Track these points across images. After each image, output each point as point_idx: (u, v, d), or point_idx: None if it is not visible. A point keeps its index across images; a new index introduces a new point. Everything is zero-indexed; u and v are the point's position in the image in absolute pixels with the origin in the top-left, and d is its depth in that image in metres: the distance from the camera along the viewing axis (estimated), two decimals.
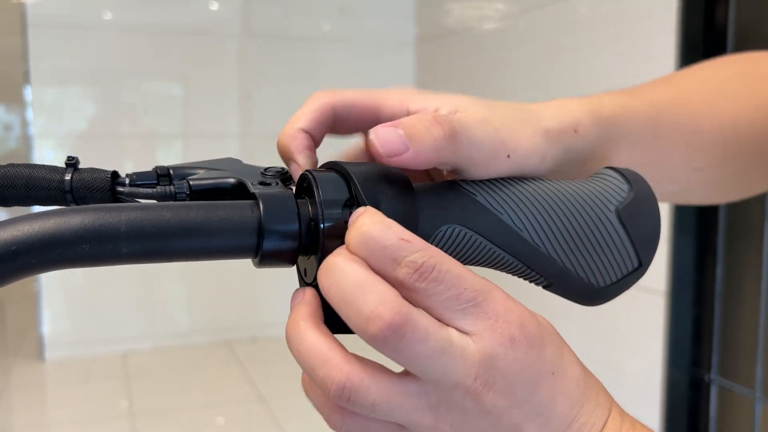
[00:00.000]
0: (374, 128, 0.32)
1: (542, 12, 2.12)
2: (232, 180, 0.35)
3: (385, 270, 0.28)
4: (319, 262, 0.31)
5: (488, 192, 0.34)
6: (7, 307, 3.42)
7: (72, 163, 0.35)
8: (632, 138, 0.41)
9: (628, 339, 1.77)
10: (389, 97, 0.36)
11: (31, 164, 0.35)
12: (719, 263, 1.61)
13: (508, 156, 0.34)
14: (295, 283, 0.35)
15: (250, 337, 2.95)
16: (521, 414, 0.29)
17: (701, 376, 1.66)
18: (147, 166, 0.36)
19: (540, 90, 2.13)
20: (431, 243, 0.33)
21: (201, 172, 0.35)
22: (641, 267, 0.36)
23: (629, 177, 0.36)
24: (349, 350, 0.29)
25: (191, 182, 0.34)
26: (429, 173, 0.40)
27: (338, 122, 0.36)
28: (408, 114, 0.36)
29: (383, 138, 0.31)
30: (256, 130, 2.91)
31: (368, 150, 0.32)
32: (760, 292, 1.52)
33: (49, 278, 2.65)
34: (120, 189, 0.35)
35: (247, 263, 0.33)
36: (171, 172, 0.35)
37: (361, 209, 0.30)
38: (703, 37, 1.59)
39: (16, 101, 3.36)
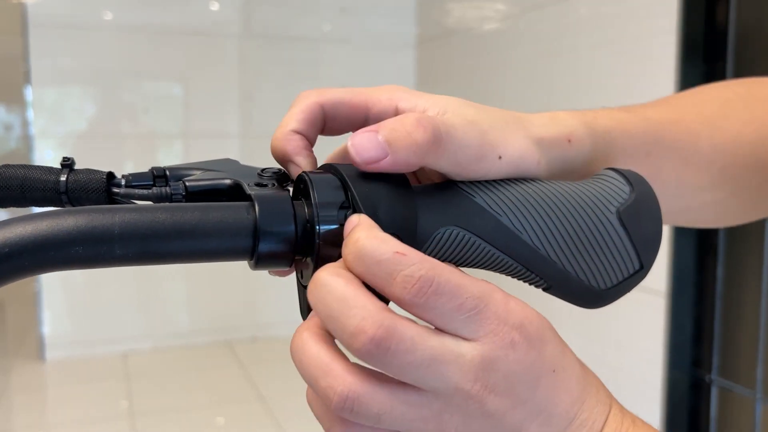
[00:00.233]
0: (352, 135, 0.31)
1: (543, 12, 2.12)
2: (228, 181, 0.35)
3: (383, 285, 0.28)
4: (315, 264, 0.31)
5: (487, 193, 0.34)
6: (8, 308, 3.42)
7: (68, 164, 0.35)
8: (626, 152, 0.41)
9: (628, 340, 1.77)
10: (379, 96, 0.36)
11: (26, 165, 0.35)
12: (720, 264, 1.61)
13: (500, 157, 0.34)
14: (296, 284, 0.35)
15: (251, 337, 2.95)
16: (523, 413, 0.29)
17: (702, 376, 1.66)
18: (147, 167, 0.36)
19: (541, 90, 2.13)
20: (429, 245, 0.33)
21: (197, 173, 0.35)
22: (642, 269, 0.35)
23: (630, 178, 0.36)
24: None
25: (187, 183, 0.34)
26: (415, 175, 0.39)
27: (327, 121, 0.36)
28: (397, 112, 0.35)
29: (360, 146, 0.31)
30: (256, 131, 2.91)
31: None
32: (760, 292, 1.52)
33: (49, 278, 2.65)
34: (115, 190, 0.34)
35: (246, 264, 0.33)
36: (167, 173, 0.35)
37: (354, 219, 0.30)
38: (703, 37, 1.59)
39: (17, 101, 3.37)
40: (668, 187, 0.39)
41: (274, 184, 0.34)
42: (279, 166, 0.36)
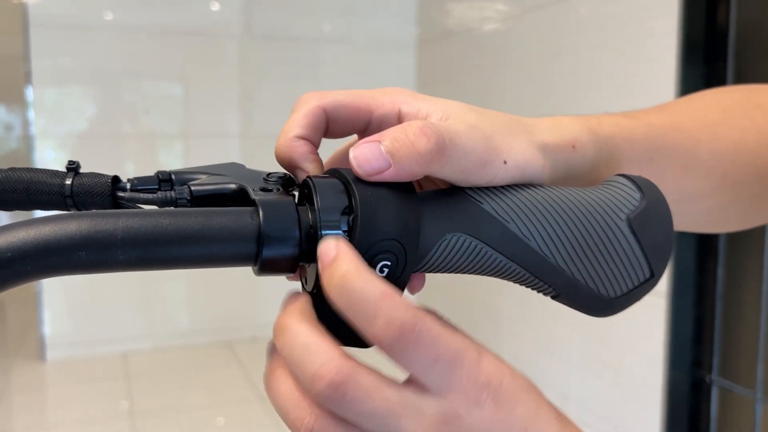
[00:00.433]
0: (354, 145, 0.31)
1: (543, 13, 2.12)
2: (233, 186, 0.34)
3: (363, 325, 0.28)
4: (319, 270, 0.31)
5: (494, 200, 0.33)
6: (8, 308, 3.42)
7: (73, 167, 0.35)
8: (629, 159, 0.40)
9: (629, 340, 1.77)
10: (382, 99, 0.35)
11: (32, 168, 0.35)
12: (720, 264, 1.61)
13: (505, 162, 0.33)
14: (296, 283, 0.35)
15: (251, 337, 2.95)
16: None
17: (702, 377, 1.66)
18: (147, 167, 0.36)
19: (541, 90, 2.13)
20: (436, 252, 0.32)
21: (202, 178, 0.35)
22: (653, 277, 0.35)
23: (641, 185, 0.35)
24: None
25: (192, 188, 0.34)
26: (419, 181, 0.39)
27: (330, 124, 0.36)
28: (399, 116, 0.35)
29: (362, 157, 0.31)
30: (256, 131, 2.91)
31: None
32: (760, 293, 1.52)
33: (49, 279, 2.64)
34: (120, 194, 0.34)
35: None
36: (173, 177, 0.35)
37: (332, 245, 0.29)
38: (704, 38, 1.59)
39: (18, 101, 3.37)
40: (669, 193, 0.39)
41: (279, 189, 0.33)
42: (284, 171, 0.36)
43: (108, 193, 0.34)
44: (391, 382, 0.28)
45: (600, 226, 0.34)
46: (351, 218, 0.31)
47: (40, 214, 0.31)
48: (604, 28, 1.85)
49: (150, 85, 2.82)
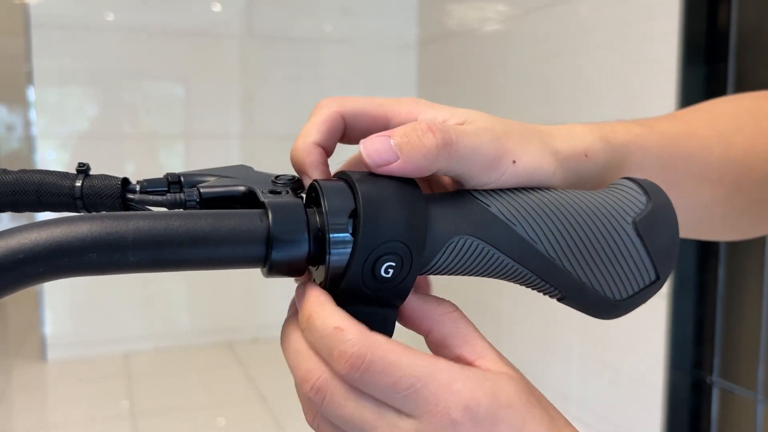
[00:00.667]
0: (365, 138, 0.32)
1: (544, 14, 2.12)
2: (242, 188, 0.35)
3: (326, 359, 0.30)
4: (326, 272, 0.31)
5: (501, 202, 0.33)
6: (9, 308, 3.42)
7: (83, 169, 0.35)
8: (641, 167, 0.41)
9: (629, 341, 1.77)
10: (399, 108, 0.36)
11: (42, 170, 0.35)
12: (721, 265, 1.62)
13: (514, 162, 0.34)
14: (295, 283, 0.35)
15: (252, 338, 2.95)
16: None
17: (703, 378, 1.66)
18: (149, 167, 0.36)
19: (542, 91, 2.13)
20: (443, 254, 0.33)
21: (211, 180, 0.35)
22: (659, 280, 0.35)
23: (647, 188, 0.35)
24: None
25: (201, 190, 0.34)
26: (428, 183, 0.40)
27: (347, 130, 0.36)
28: None
29: (371, 148, 0.32)
30: (257, 131, 2.91)
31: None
32: (761, 294, 1.52)
33: None
34: (130, 196, 0.35)
35: None
36: (182, 179, 0.35)
37: (300, 292, 0.32)
38: (705, 39, 1.59)
39: (19, 102, 3.37)
40: (681, 201, 0.39)
41: (287, 192, 0.34)
42: (293, 173, 0.36)
43: (118, 195, 0.35)
44: (369, 398, 0.30)
45: (606, 228, 0.34)
46: (356, 221, 0.31)
47: (49, 216, 0.31)
48: (605, 29, 1.85)
49: (151, 85, 2.82)
